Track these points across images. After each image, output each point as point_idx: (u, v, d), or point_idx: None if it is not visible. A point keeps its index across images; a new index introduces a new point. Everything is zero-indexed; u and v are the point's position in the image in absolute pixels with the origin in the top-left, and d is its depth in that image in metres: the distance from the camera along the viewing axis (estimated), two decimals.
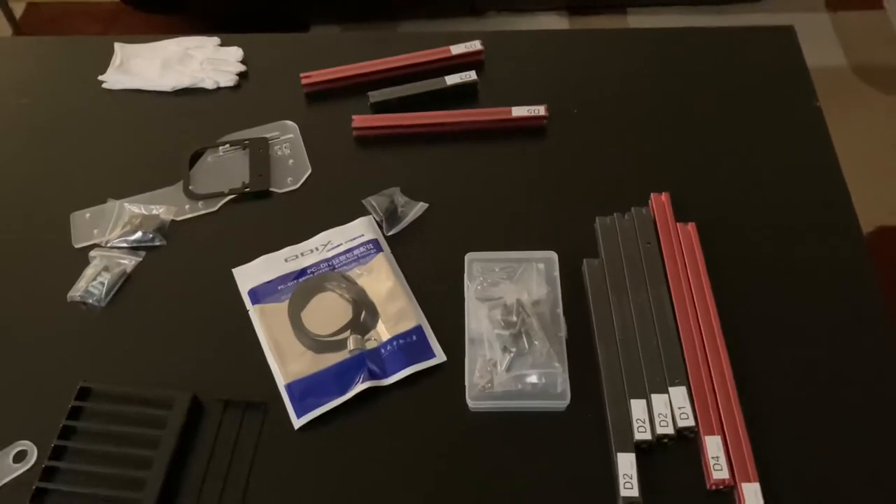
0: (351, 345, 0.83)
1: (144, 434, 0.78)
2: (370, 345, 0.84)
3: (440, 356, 0.82)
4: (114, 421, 0.80)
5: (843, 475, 0.73)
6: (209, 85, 1.10)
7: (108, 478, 0.76)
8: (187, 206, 0.97)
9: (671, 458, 0.74)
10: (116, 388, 0.82)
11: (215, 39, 1.16)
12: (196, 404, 0.80)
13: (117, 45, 1.16)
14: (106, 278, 0.90)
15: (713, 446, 0.73)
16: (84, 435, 0.79)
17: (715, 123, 1.01)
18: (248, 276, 0.90)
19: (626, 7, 2.26)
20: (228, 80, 1.10)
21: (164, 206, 0.96)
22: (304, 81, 1.08)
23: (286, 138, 1.03)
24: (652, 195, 0.92)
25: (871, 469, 0.73)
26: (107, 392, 0.82)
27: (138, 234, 0.93)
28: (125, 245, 0.93)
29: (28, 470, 0.78)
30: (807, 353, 0.80)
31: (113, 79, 1.12)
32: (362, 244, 0.91)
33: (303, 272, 0.90)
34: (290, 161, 1.00)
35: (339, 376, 0.81)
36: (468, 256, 0.88)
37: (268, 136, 1.03)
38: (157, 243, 0.93)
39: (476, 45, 1.09)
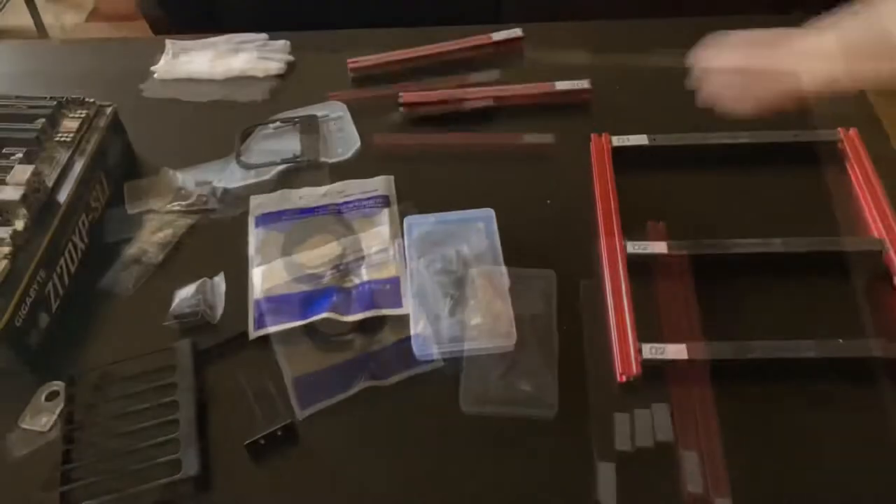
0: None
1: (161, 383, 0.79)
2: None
3: (405, 309, 0.82)
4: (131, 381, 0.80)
5: (815, 494, 0.71)
6: (259, 73, 1.14)
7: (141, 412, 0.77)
8: (239, 175, 0.99)
9: (649, 469, 0.73)
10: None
11: (263, 35, 1.21)
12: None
13: (168, 41, 1.20)
14: (159, 239, 0.91)
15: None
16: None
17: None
18: (261, 204, 0.95)
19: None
20: (278, 67, 1.14)
21: (216, 175, 0.98)
22: (350, 66, 1.12)
23: (335, 116, 1.06)
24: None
25: (844, 494, 0.71)
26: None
27: (191, 199, 0.95)
28: (178, 209, 0.95)
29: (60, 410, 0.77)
30: (787, 380, 0.78)
31: (164, 70, 1.16)
32: (373, 198, 0.94)
33: (310, 210, 0.93)
34: (340, 135, 1.03)
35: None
36: (407, 220, 0.89)
37: (317, 114, 1.06)
38: (211, 207, 0.95)
39: (517, 32, 1.13)
